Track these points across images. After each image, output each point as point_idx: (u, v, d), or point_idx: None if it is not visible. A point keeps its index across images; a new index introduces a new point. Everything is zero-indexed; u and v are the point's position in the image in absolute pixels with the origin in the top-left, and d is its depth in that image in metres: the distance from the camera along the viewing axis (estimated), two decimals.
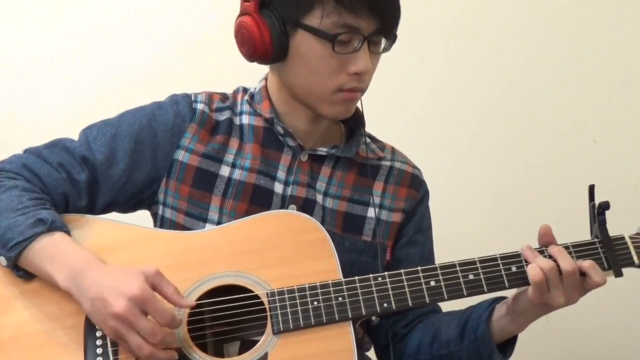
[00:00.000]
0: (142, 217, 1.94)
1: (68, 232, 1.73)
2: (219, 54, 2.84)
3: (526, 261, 1.75)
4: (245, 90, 2.01)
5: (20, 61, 2.91)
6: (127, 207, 1.94)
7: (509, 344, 1.86)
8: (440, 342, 1.90)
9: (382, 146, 2.07)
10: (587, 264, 1.71)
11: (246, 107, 1.96)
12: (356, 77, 1.81)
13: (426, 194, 2.07)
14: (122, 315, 1.57)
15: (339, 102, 1.84)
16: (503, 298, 1.85)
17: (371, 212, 1.96)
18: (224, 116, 1.95)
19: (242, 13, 1.85)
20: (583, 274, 1.71)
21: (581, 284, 1.72)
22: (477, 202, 2.98)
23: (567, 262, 1.71)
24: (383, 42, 1.85)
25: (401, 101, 2.92)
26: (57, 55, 2.93)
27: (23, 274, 1.72)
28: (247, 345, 1.73)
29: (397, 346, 1.98)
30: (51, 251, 1.68)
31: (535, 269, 1.69)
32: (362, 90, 1.85)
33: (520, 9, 3.08)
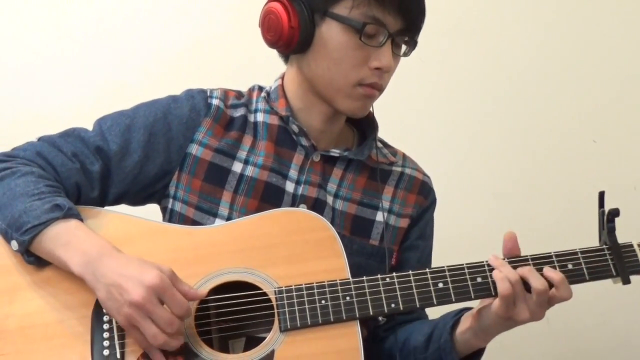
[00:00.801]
0: (152, 211, 1.94)
1: (82, 221, 1.73)
2: (221, 54, 2.86)
3: (534, 264, 1.74)
4: (260, 88, 2.02)
5: (21, 61, 2.91)
6: (138, 199, 1.94)
7: (475, 355, 1.86)
8: (408, 349, 1.92)
9: (393, 152, 2.08)
10: (558, 278, 1.70)
11: (261, 105, 1.97)
12: (377, 73, 1.83)
13: (433, 202, 2.09)
14: (140, 303, 1.58)
15: (357, 97, 1.86)
16: (470, 308, 1.84)
17: (380, 216, 1.96)
18: (238, 113, 1.96)
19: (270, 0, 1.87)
20: (551, 285, 1.71)
21: (548, 300, 1.71)
22: (478, 203, 2.99)
23: (538, 281, 1.69)
24: (404, 46, 1.88)
25: (401, 102, 2.90)
26: (57, 56, 2.93)
27: (34, 260, 1.71)
28: (252, 342, 1.74)
29: (374, 348, 1.98)
30: (66, 237, 1.68)
31: (505, 282, 1.69)
32: (380, 89, 1.87)
33: (520, 10, 3.09)
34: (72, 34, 2.93)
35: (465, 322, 1.82)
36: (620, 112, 3.09)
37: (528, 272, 1.71)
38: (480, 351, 1.86)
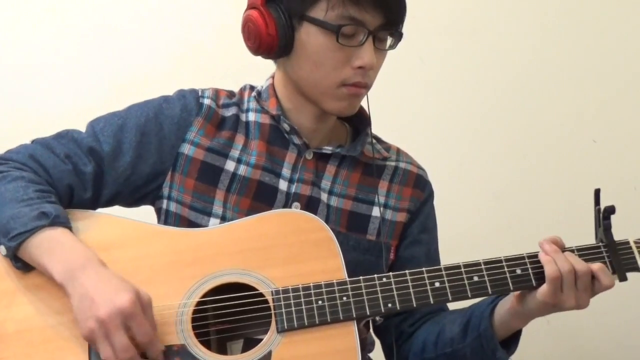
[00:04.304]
0: (147, 214, 1.94)
1: (70, 229, 1.73)
2: (219, 54, 2.86)
3: (532, 262, 1.76)
4: (252, 87, 2.02)
5: (21, 61, 2.92)
6: (131, 200, 1.94)
7: (512, 339, 1.87)
8: (444, 340, 1.92)
9: (387, 147, 2.08)
10: (596, 266, 1.72)
11: (253, 104, 1.97)
12: (360, 72, 1.82)
13: (431, 194, 2.08)
14: (104, 320, 1.57)
15: (343, 97, 1.86)
16: (505, 295, 1.85)
17: (375, 211, 1.96)
18: (230, 112, 1.96)
19: (249, 7, 1.87)
20: (592, 276, 1.72)
21: (591, 287, 1.73)
22: (478, 202, 2.99)
23: (580, 264, 1.72)
24: (389, 39, 1.86)
25: (401, 101, 2.92)
26: (57, 56, 2.94)
27: (21, 265, 1.72)
28: (250, 343, 1.73)
29: (403, 345, 2.00)
30: (51, 245, 1.68)
31: (553, 265, 1.71)
32: (367, 87, 1.86)
33: (520, 9, 3.08)
34: (70, 35, 2.94)
35: (504, 305, 1.83)
36: (620, 112, 3.09)
37: (568, 256, 1.73)
38: (518, 334, 1.87)
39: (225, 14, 2.84)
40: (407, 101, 2.96)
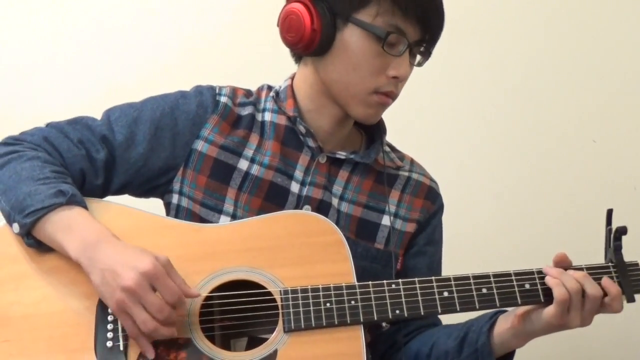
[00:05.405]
0: (158, 207, 1.95)
1: (86, 208, 1.75)
2: (223, 54, 2.84)
3: (541, 278, 1.76)
4: (270, 87, 2.02)
5: (22, 61, 2.91)
6: (141, 191, 1.95)
7: (508, 356, 1.88)
8: (438, 353, 1.92)
9: (401, 156, 2.08)
10: (615, 291, 1.73)
11: (270, 105, 1.97)
12: (394, 82, 1.85)
13: (441, 207, 2.09)
14: (131, 287, 1.59)
15: (371, 105, 1.87)
16: (504, 311, 1.85)
17: (385, 220, 1.97)
18: (246, 111, 1.96)
19: (292, 0, 1.86)
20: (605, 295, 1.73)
21: (598, 309, 1.74)
22: (478, 203, 2.98)
23: (593, 287, 1.72)
24: (418, 57, 1.88)
25: (400, 102, 2.90)
26: (58, 56, 2.93)
27: (33, 242, 1.73)
28: (254, 342, 1.74)
29: (395, 354, 1.99)
30: (67, 222, 1.69)
31: (562, 288, 1.70)
32: (394, 98, 1.89)
33: (521, 9, 3.07)
34: (72, 35, 2.93)
35: (504, 323, 1.83)
36: (620, 112, 3.08)
37: (583, 277, 1.73)
38: (512, 353, 1.88)
39: (226, 13, 2.84)
40: (406, 101, 2.92)
